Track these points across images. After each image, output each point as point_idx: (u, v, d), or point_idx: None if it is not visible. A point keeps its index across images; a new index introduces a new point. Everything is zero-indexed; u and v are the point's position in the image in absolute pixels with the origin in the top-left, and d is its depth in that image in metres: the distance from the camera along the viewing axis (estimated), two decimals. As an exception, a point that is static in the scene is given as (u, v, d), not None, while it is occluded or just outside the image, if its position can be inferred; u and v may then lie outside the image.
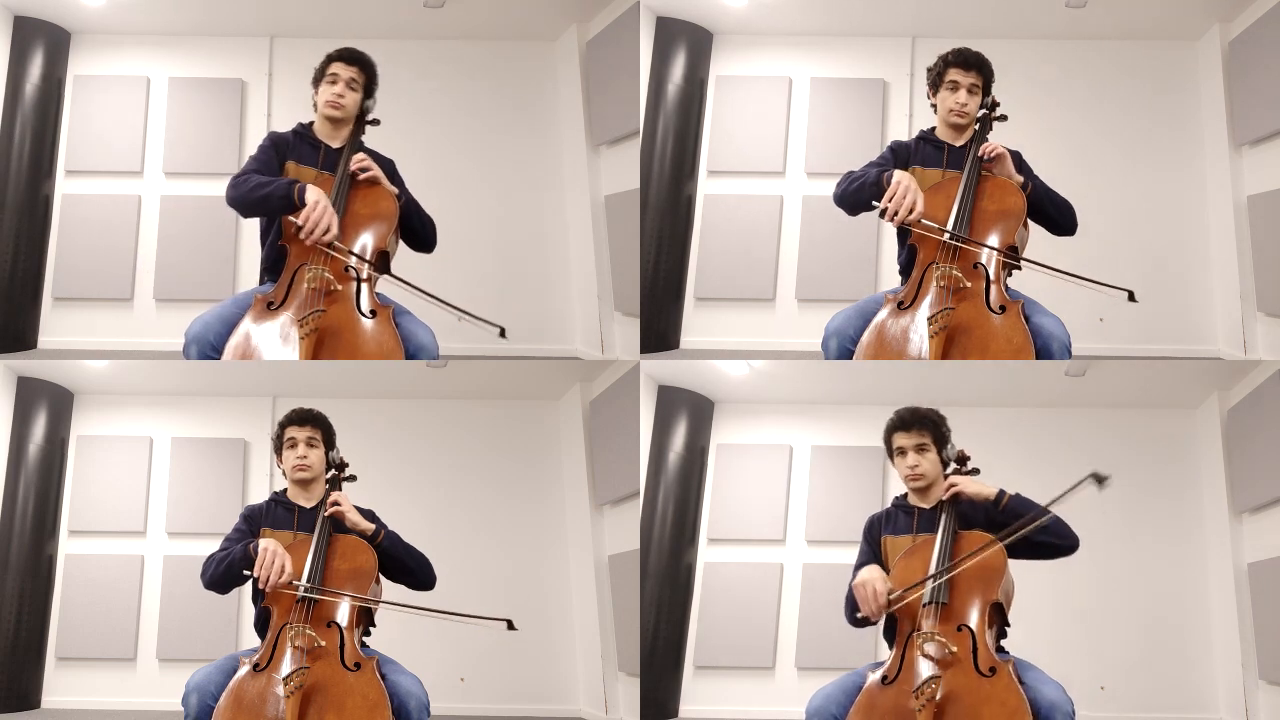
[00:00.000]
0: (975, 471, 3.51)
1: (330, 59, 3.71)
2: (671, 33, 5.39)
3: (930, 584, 3.29)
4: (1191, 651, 5.34)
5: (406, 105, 5.49)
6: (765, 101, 5.62)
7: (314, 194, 3.47)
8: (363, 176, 3.60)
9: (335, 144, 3.69)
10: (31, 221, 5.33)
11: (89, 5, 5.28)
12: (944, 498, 3.45)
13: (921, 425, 3.50)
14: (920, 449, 3.49)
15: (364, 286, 3.54)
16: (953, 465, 3.53)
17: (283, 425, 3.70)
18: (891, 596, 3.33)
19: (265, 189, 3.48)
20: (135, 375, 5.43)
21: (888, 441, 3.56)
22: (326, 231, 3.46)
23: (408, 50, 5.51)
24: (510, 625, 3.59)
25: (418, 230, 3.75)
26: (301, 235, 3.47)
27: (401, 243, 3.76)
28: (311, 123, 3.73)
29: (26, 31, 5.32)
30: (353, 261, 3.52)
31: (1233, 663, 5.16)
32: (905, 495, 3.57)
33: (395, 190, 3.66)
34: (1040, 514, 3.30)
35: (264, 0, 5.27)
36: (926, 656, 3.23)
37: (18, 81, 5.30)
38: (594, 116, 5.33)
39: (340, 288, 3.51)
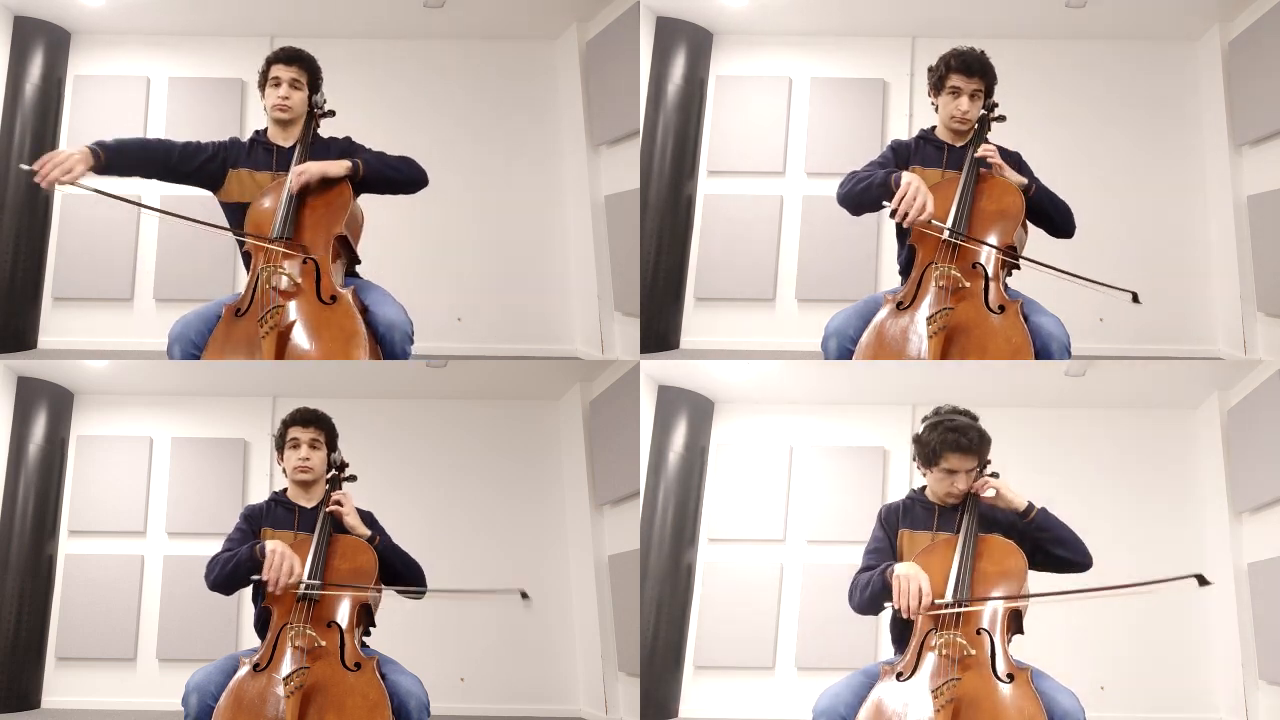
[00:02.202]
0: (994, 476, 3.50)
1: (270, 62, 3.74)
2: (671, 33, 5.39)
3: (951, 609, 3.26)
4: (1191, 651, 5.34)
5: (406, 105, 5.50)
6: (765, 101, 5.62)
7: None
8: (297, 188, 3.59)
9: (286, 144, 3.72)
10: (31, 221, 5.33)
11: (89, 5, 5.28)
12: (980, 495, 3.41)
13: (976, 451, 3.43)
14: (969, 473, 3.44)
15: (321, 275, 3.55)
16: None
17: (286, 424, 3.70)
18: (937, 601, 3.26)
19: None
20: (135, 375, 5.43)
21: (936, 455, 3.43)
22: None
23: (408, 50, 5.52)
24: (524, 595, 3.59)
25: (391, 179, 3.72)
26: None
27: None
28: (266, 128, 3.76)
29: (26, 31, 5.32)
30: (285, 282, 3.53)
31: (1232, 663, 5.16)
32: (924, 489, 3.55)
33: (344, 169, 3.63)
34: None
35: (264, 0, 5.27)
36: (944, 657, 3.22)
37: (18, 81, 5.30)
38: (594, 116, 5.33)
39: (301, 281, 3.53)
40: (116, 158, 3.55)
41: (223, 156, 3.69)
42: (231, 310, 3.56)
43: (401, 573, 3.62)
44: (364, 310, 3.58)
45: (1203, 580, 3.13)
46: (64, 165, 3.45)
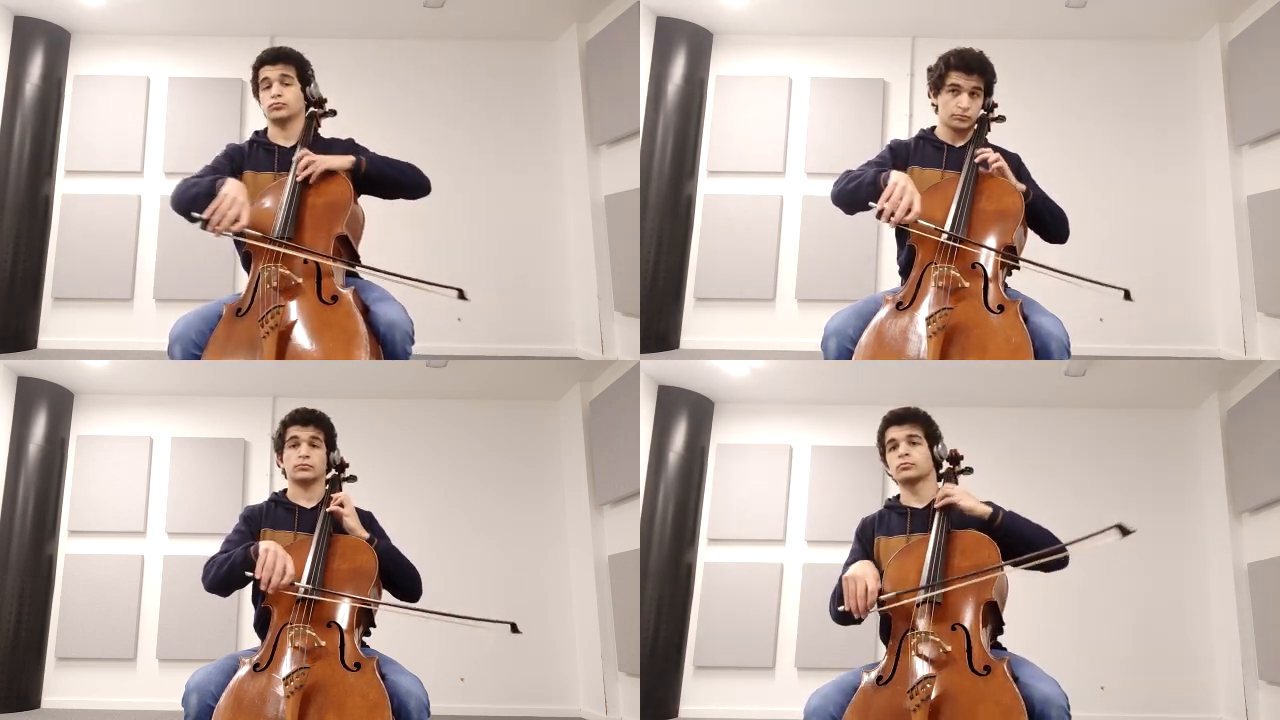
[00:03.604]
0: (969, 470, 3.51)
1: (257, 66, 3.74)
2: (671, 33, 5.39)
3: (923, 594, 3.28)
4: (1191, 651, 5.34)
5: (406, 105, 5.50)
6: (765, 101, 5.62)
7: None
8: (301, 177, 3.60)
9: (287, 143, 3.72)
10: (31, 221, 5.33)
11: (89, 5, 5.28)
12: (936, 507, 3.45)
13: (914, 420, 3.56)
14: (911, 440, 3.53)
15: (322, 275, 3.55)
16: (945, 465, 3.53)
17: (285, 424, 3.70)
18: (883, 598, 3.33)
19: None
20: (135, 375, 5.43)
21: (880, 439, 3.60)
22: (235, 221, 3.48)
23: (408, 50, 5.52)
24: (514, 628, 3.59)
25: (395, 179, 3.72)
26: (210, 227, 3.49)
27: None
28: (266, 129, 3.76)
29: (26, 31, 5.32)
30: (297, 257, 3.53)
31: (1233, 663, 5.16)
32: (898, 497, 3.58)
33: (349, 162, 3.64)
34: (1049, 544, 3.33)
35: (264, 0, 5.27)
36: (921, 656, 3.24)
37: (18, 81, 5.30)
38: (594, 116, 5.33)
39: (301, 281, 3.53)
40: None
41: (231, 169, 3.69)
42: (232, 310, 3.56)
43: (397, 579, 3.61)
44: (365, 310, 3.58)
45: (1124, 530, 3.16)
46: (232, 213, 3.50)
